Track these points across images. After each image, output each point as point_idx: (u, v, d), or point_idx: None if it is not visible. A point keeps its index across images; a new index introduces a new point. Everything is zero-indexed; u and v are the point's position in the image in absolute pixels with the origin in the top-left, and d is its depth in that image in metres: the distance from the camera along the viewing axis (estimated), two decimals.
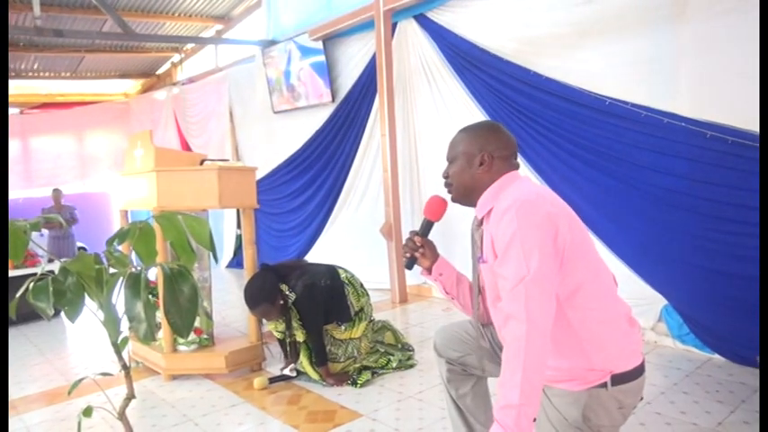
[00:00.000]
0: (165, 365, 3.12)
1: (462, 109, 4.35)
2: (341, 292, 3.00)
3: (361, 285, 3.14)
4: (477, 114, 4.16)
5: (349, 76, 5.36)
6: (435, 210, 1.69)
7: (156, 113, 8.21)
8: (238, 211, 6.58)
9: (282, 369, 3.07)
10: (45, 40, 6.62)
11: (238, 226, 6.78)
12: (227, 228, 7.12)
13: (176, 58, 8.21)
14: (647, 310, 3.31)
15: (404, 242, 1.72)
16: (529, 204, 1.38)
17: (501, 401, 1.26)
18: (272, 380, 3.00)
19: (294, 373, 3.01)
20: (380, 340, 3.27)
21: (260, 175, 5.67)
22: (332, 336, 2.97)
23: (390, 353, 3.17)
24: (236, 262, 6.99)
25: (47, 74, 7.96)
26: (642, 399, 1.47)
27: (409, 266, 1.72)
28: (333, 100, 5.50)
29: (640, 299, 3.29)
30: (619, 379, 1.37)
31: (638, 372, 1.41)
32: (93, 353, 4.07)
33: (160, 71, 8.67)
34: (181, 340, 3.16)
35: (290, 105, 5.94)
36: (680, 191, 3.06)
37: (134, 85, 9.09)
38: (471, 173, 1.54)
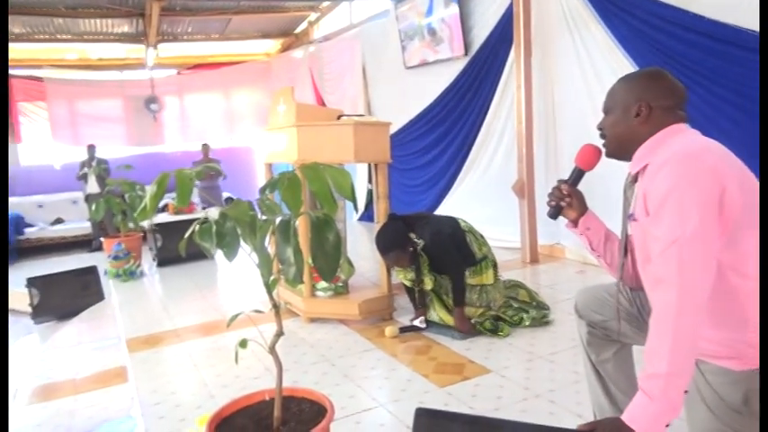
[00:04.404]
0: (305, 309, 3.35)
1: (607, 58, 4.01)
2: (463, 239, 3.08)
3: (481, 235, 3.19)
4: (623, 64, 3.81)
5: (484, 27, 5.16)
6: (588, 158, 1.59)
7: (294, 71, 8.56)
8: (370, 165, 6.75)
9: (412, 320, 3.15)
10: (198, 4, 7.13)
11: (369, 181, 6.96)
12: (358, 182, 7.35)
13: (313, 16, 8.44)
14: None
15: (549, 190, 1.64)
16: (691, 158, 1.24)
17: (647, 370, 1.18)
18: (403, 329, 3.10)
19: (424, 325, 3.09)
20: (514, 296, 3.24)
21: (391, 130, 5.72)
22: None
23: (525, 309, 3.13)
24: (367, 215, 7.23)
25: (199, 36, 8.59)
26: None
27: (553, 216, 1.64)
28: (465, 53, 5.35)
29: None
30: None
31: None
32: (240, 292, 4.49)
33: (298, 30, 8.98)
34: (318, 287, 3.37)
35: (425, 57, 5.81)
36: None
37: (274, 44, 9.51)
38: (627, 124, 1.42)
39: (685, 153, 1.26)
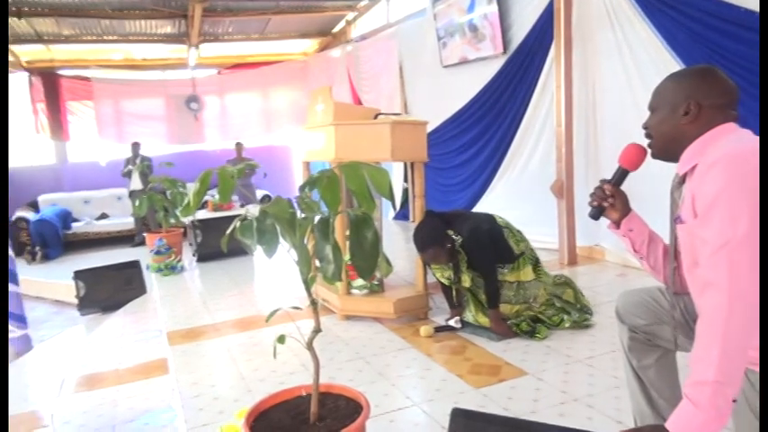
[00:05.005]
0: (340, 306, 3.38)
1: (651, 55, 3.90)
2: (500, 235, 3.04)
3: (519, 232, 3.14)
4: (669, 62, 3.70)
5: (523, 24, 5.09)
6: (632, 158, 1.55)
7: (331, 70, 8.63)
8: (405, 164, 6.75)
9: (447, 320, 3.14)
10: (238, 5, 7.27)
11: (405, 179, 6.97)
12: (394, 181, 7.36)
13: (350, 16, 8.49)
14: None
15: (591, 191, 1.61)
16: (741, 159, 1.20)
17: (693, 377, 1.15)
18: (438, 329, 3.09)
19: (459, 325, 3.07)
20: (559, 295, 3.18)
21: (428, 129, 5.71)
22: (499, 279, 2.98)
23: (566, 311, 3.08)
24: (402, 214, 7.23)
25: (239, 36, 8.75)
26: None
27: (595, 217, 1.61)
28: (504, 51, 5.29)
29: None
30: None
31: None
32: (276, 288, 4.55)
33: (335, 30, 9.05)
34: (354, 284, 3.39)
35: (466, 55, 5.73)
36: None
37: (312, 44, 9.61)
38: (673, 123, 1.38)
39: (736, 153, 1.22)
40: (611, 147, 4.23)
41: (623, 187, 1.60)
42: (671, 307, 1.58)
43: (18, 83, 8.56)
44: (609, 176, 1.61)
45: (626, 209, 1.58)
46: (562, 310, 3.07)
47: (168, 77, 9.47)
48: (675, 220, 1.41)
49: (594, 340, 2.85)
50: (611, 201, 1.58)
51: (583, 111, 4.59)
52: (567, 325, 2.98)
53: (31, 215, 7.82)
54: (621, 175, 1.59)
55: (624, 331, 1.70)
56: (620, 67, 4.22)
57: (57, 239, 7.70)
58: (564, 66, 4.39)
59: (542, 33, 4.77)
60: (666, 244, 1.57)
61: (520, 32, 5.12)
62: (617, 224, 1.60)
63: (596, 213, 1.61)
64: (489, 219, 3.15)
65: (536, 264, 3.09)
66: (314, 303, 1.69)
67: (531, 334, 2.90)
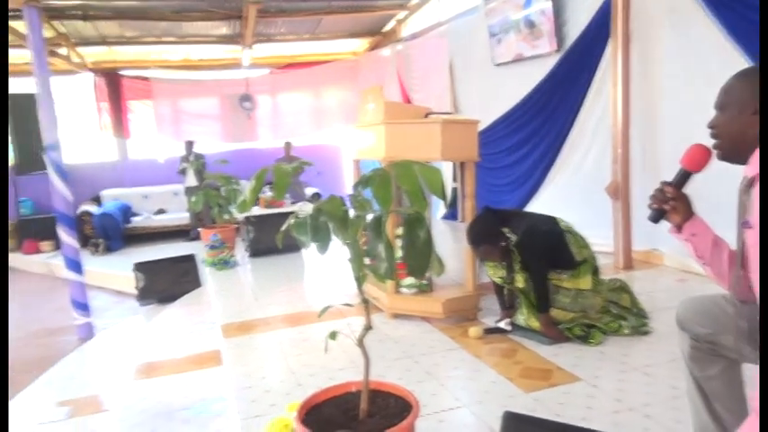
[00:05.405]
0: (389, 304, 3.39)
1: (716, 52, 3.72)
2: (561, 239, 2.93)
3: (582, 237, 3.01)
4: (735, 59, 3.53)
5: (578, 21, 4.96)
6: (696, 159, 1.49)
7: (381, 70, 8.67)
8: (455, 164, 6.70)
9: (497, 321, 3.10)
10: (291, 6, 7.39)
11: (454, 179, 6.92)
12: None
13: (401, 15, 8.49)
14: None
15: (652, 192, 1.55)
16: None
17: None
18: (488, 331, 3.05)
19: (510, 327, 3.02)
20: (615, 301, 3.08)
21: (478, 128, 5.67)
22: (555, 284, 2.90)
23: (623, 316, 2.98)
24: (451, 214, 7.19)
25: (291, 36, 8.89)
26: None
27: (655, 220, 1.56)
28: (558, 49, 5.17)
29: None
30: None
31: None
32: (325, 285, 4.61)
33: (386, 29, 9.07)
34: (403, 283, 3.39)
35: (521, 52, 5.59)
36: None
37: (362, 43, 9.66)
38: (742, 123, 1.33)
39: None
40: (671, 147, 4.07)
41: (686, 189, 1.54)
42: (736, 315, 1.51)
43: (84, 83, 9.01)
44: (669, 178, 1.55)
45: (688, 212, 1.52)
46: (619, 316, 2.97)
47: (223, 77, 9.73)
48: (743, 224, 1.35)
49: (652, 348, 2.76)
50: (672, 203, 1.52)
51: (640, 110, 4.43)
52: (625, 331, 2.88)
53: (94, 209, 8.20)
54: (684, 176, 1.53)
55: (685, 340, 1.63)
56: (681, 64, 4.06)
57: (118, 232, 8.05)
58: (621, 64, 4.26)
59: (599, 30, 4.64)
60: (732, 249, 1.51)
61: (575, 29, 4.99)
62: (679, 228, 1.54)
63: (656, 216, 1.56)
64: (550, 221, 3.05)
65: (595, 272, 2.97)
66: (366, 301, 1.70)
67: (584, 339, 2.82)
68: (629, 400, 2.24)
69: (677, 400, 2.17)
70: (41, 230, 8.05)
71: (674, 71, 4.12)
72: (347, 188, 9.91)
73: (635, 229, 4.37)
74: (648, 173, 4.41)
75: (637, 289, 3.29)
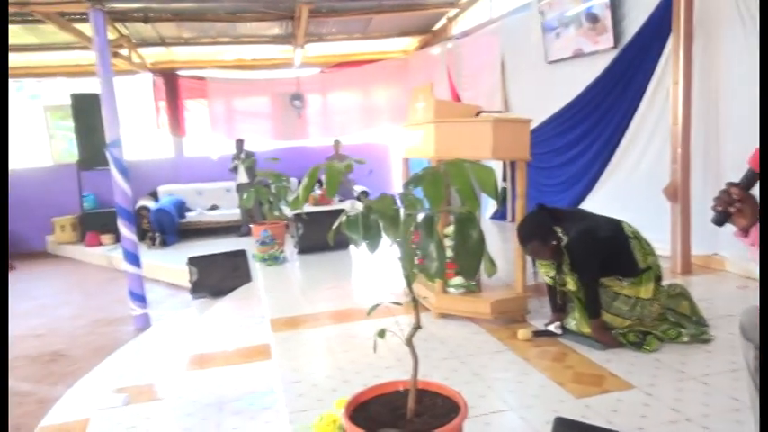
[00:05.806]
0: (436, 304, 3.38)
1: None
2: (624, 245, 2.80)
3: (648, 243, 2.89)
4: None
5: (637, 17, 4.79)
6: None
7: (430, 68, 8.63)
8: (504, 163, 6.61)
9: (547, 324, 3.03)
10: (342, 5, 7.45)
11: (504, 179, 6.83)
12: None
13: (452, 12, 8.44)
14: None
15: (717, 194, 1.48)
16: None
17: None
18: (537, 333, 2.99)
19: (560, 331, 2.94)
20: (673, 308, 2.95)
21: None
22: (614, 291, 2.80)
23: (682, 324, 2.85)
24: (500, 214, 7.10)
25: (341, 36, 8.98)
26: None
27: (719, 223, 1.48)
28: (615, 45, 5.01)
29: None
30: None
31: None
32: (371, 284, 4.63)
33: (436, 27, 9.03)
34: (451, 283, 3.37)
35: (581, 47, 5.41)
36: None
37: (412, 42, 9.65)
38: None
39: None
40: (735, 148, 3.88)
41: (754, 191, 1.47)
42: None
43: (143, 83, 9.38)
44: (732, 180, 1.48)
45: (756, 215, 1.45)
46: (677, 324, 2.85)
47: (274, 77, 9.93)
48: None
49: (711, 356, 2.63)
50: (738, 206, 1.45)
51: (703, 109, 4.24)
52: (685, 339, 2.76)
53: (151, 204, 8.52)
54: (752, 177, 1.45)
55: (750, 349, 1.55)
56: (748, 62, 3.85)
57: (173, 227, 8.34)
58: (683, 61, 4.08)
59: (659, 26, 4.47)
60: None
61: (633, 25, 4.83)
62: (745, 232, 1.46)
63: (721, 219, 1.49)
64: (612, 225, 2.88)
65: (658, 280, 2.84)
66: (415, 300, 1.70)
67: (638, 346, 2.71)
68: (686, 411, 2.15)
69: (739, 412, 2.07)
70: (103, 224, 8.44)
71: (741, 68, 3.91)
72: (395, 187, 9.93)
73: (694, 232, 4.19)
74: (709, 174, 4.22)
75: (695, 295, 3.15)
